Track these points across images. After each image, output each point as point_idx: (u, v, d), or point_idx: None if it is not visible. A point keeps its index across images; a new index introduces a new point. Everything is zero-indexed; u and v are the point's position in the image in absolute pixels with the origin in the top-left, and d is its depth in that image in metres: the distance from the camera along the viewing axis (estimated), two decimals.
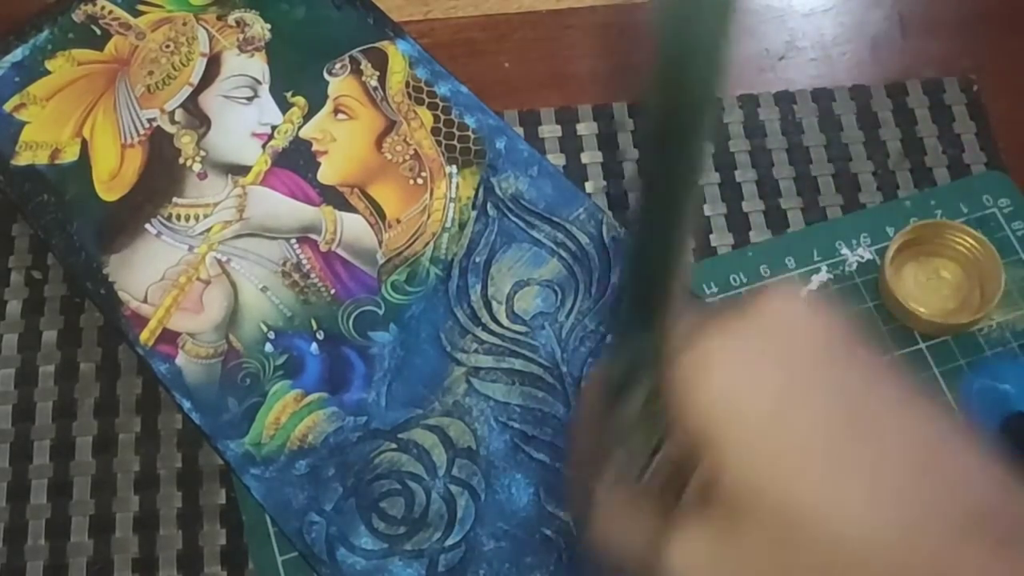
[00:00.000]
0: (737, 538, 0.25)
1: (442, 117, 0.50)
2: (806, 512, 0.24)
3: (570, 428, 0.34)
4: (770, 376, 0.25)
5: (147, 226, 0.48)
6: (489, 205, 0.48)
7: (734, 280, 0.49)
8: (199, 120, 0.50)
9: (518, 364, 0.45)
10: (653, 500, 0.27)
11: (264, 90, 0.51)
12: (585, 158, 0.53)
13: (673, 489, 0.27)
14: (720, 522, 0.25)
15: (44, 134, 0.50)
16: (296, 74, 0.51)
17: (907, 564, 0.23)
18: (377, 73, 0.51)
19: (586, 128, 0.54)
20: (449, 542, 0.42)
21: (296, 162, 0.49)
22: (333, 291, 0.47)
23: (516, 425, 0.44)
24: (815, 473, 0.24)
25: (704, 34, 0.19)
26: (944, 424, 0.25)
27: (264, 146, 0.50)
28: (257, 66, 0.51)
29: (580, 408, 0.31)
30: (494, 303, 0.46)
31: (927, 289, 0.48)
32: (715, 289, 0.49)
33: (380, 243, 0.47)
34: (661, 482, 0.27)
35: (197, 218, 0.48)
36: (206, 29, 0.52)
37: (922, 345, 0.47)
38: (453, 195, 0.48)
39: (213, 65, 0.51)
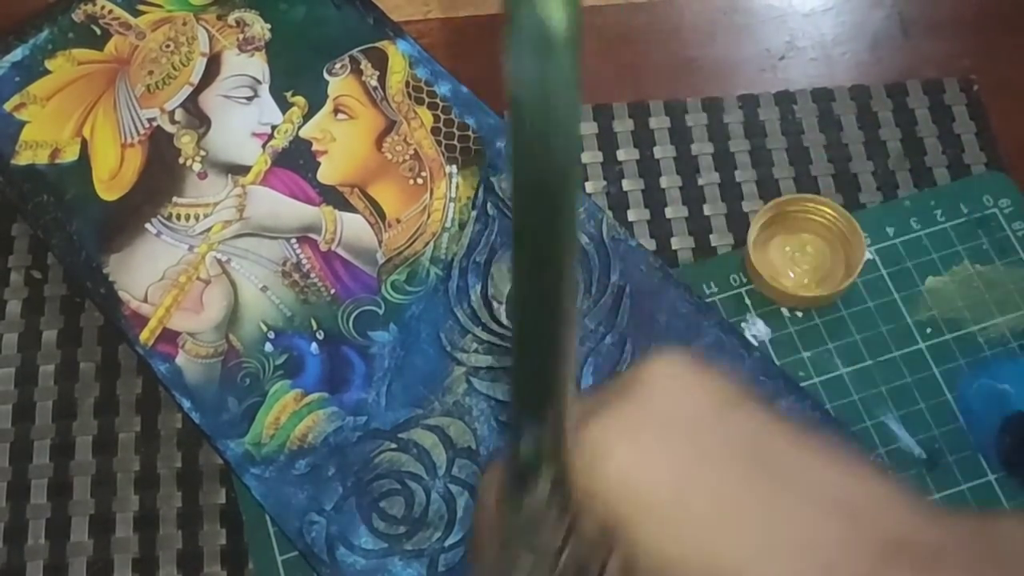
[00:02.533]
0: None
1: (442, 117, 0.50)
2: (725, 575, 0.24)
3: (472, 533, 0.33)
4: (667, 447, 0.25)
5: (147, 226, 0.48)
6: (489, 205, 0.48)
7: (734, 280, 0.49)
8: (199, 120, 0.50)
9: None
10: None
11: (264, 90, 0.51)
12: (585, 158, 0.53)
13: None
14: None
15: (44, 134, 0.50)
16: (296, 74, 0.51)
17: None
18: (377, 73, 0.51)
19: (586, 128, 0.54)
20: (449, 542, 0.42)
21: (296, 162, 0.49)
22: (333, 291, 0.47)
23: None
24: (727, 535, 0.24)
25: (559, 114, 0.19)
26: (846, 460, 0.25)
27: (264, 146, 0.50)
28: (257, 66, 0.51)
29: (480, 510, 0.30)
30: (494, 303, 0.46)
31: (792, 263, 0.49)
32: (715, 289, 0.49)
33: (380, 243, 0.47)
34: (582, 570, 0.27)
35: (197, 218, 0.48)
36: (206, 29, 0.52)
37: (922, 345, 0.47)
38: (453, 195, 0.48)
39: (213, 65, 0.51)
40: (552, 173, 0.19)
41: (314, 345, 0.46)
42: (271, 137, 0.50)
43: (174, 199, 0.49)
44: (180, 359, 0.45)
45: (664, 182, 0.52)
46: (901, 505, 0.25)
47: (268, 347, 0.45)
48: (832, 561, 0.24)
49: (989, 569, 0.24)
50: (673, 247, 0.51)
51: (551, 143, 0.19)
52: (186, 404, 0.44)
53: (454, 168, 0.49)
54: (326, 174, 0.49)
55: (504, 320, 0.46)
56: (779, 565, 0.24)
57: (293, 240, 0.48)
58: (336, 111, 0.50)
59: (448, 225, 0.48)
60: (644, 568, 0.25)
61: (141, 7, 0.53)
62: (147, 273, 0.47)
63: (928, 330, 0.48)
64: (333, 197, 0.49)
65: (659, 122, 0.54)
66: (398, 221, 0.48)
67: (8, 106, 0.50)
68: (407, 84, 0.51)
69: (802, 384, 0.46)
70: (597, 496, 0.25)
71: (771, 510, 0.24)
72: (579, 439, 0.25)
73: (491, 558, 0.29)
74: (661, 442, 0.25)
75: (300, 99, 0.51)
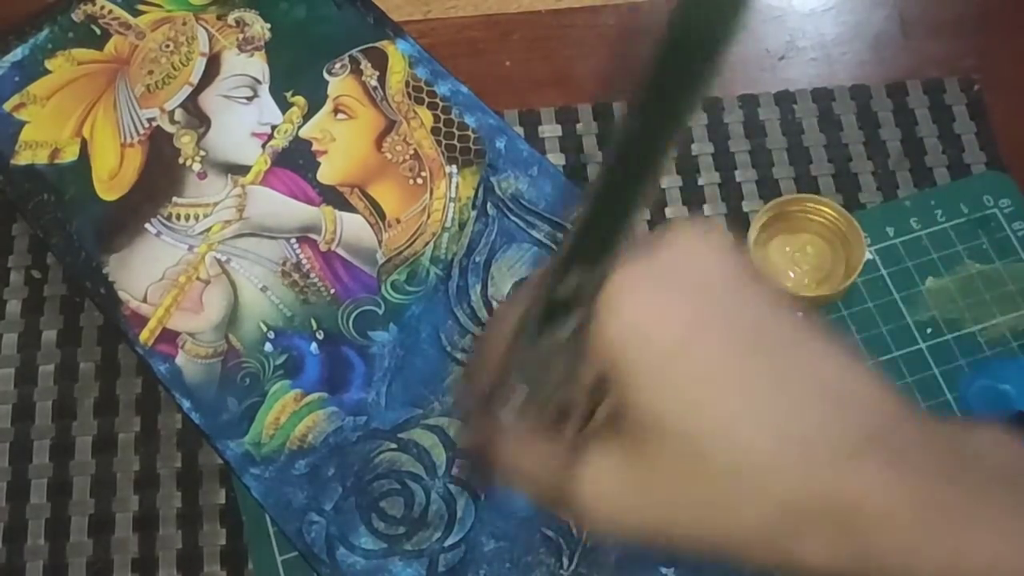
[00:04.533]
0: (643, 465, 0.25)
1: (442, 117, 0.50)
2: (706, 441, 0.25)
3: (479, 345, 0.33)
4: (677, 307, 0.26)
5: (147, 226, 0.48)
6: (489, 205, 0.48)
7: None
8: (199, 120, 0.50)
9: None
10: (561, 429, 0.28)
11: (264, 90, 0.51)
12: (585, 158, 0.53)
13: (582, 419, 0.27)
14: (627, 450, 0.26)
15: (44, 134, 0.50)
16: (296, 74, 0.51)
17: (804, 486, 0.24)
18: (377, 73, 0.51)
19: (586, 128, 0.54)
20: (449, 542, 0.42)
21: (296, 162, 0.49)
22: (333, 291, 0.47)
23: None
24: (716, 403, 0.25)
25: None
26: (843, 354, 0.27)
27: (264, 146, 0.50)
28: (257, 66, 0.51)
29: (489, 335, 0.31)
30: (494, 303, 0.46)
31: (793, 263, 0.49)
32: None
33: (380, 243, 0.47)
34: (570, 412, 0.28)
35: (197, 218, 0.48)
36: (206, 29, 0.52)
37: (922, 345, 0.47)
38: (453, 195, 0.48)
39: (213, 65, 0.51)
40: (720, 22, 0.19)
41: (314, 345, 0.46)
42: (271, 137, 0.50)
43: (174, 199, 0.49)
44: (180, 359, 0.45)
45: (664, 182, 0.52)
46: (886, 402, 0.26)
47: (268, 347, 0.45)
48: (808, 439, 0.25)
49: (953, 471, 0.25)
50: None
51: None
52: (186, 404, 0.44)
53: (454, 168, 0.49)
54: (326, 174, 0.49)
55: None
56: (756, 433, 0.25)
57: (293, 240, 0.48)
58: (336, 111, 0.50)
59: (448, 225, 0.48)
60: (630, 420, 0.26)
61: (141, 7, 0.53)
62: (147, 273, 0.47)
63: (928, 330, 0.48)
64: (333, 197, 0.48)
65: None
66: (398, 221, 0.48)
67: (8, 106, 0.50)
68: (407, 84, 0.51)
69: None
70: (602, 342, 0.26)
71: (760, 384, 0.25)
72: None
73: (485, 382, 0.29)
74: (673, 301, 0.26)
75: (300, 99, 0.51)
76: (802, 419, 0.25)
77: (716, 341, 0.25)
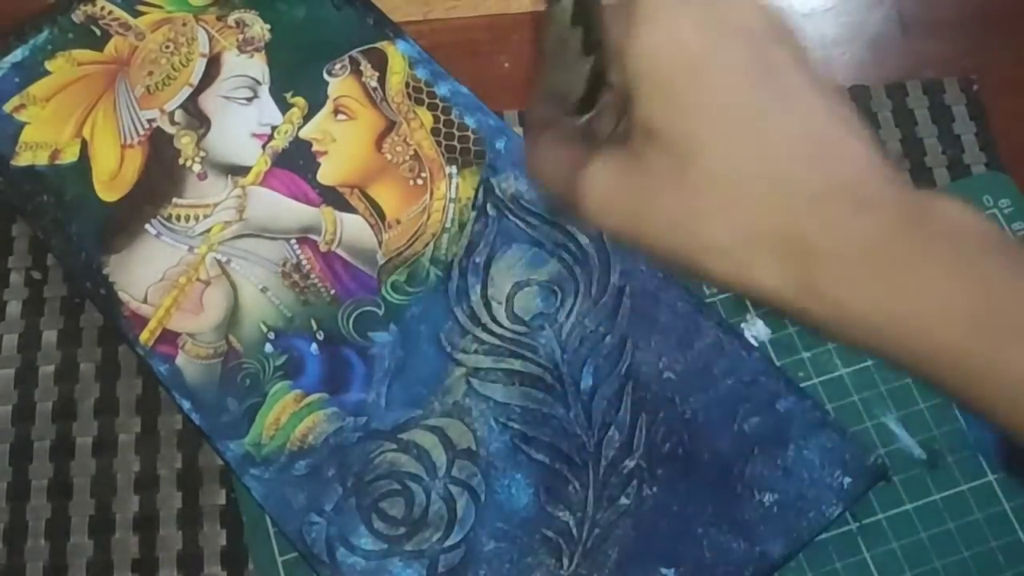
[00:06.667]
0: (637, 172, 0.28)
1: (442, 117, 0.50)
2: (690, 146, 0.27)
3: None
4: (709, 38, 0.28)
5: (147, 227, 0.48)
6: (489, 205, 0.48)
7: None
8: (199, 120, 0.50)
9: (518, 365, 0.45)
10: (582, 136, 0.30)
11: (264, 90, 0.51)
12: None
13: (605, 128, 0.30)
14: (629, 157, 0.28)
15: (44, 135, 0.50)
16: (296, 74, 0.51)
17: (764, 214, 0.27)
18: (377, 74, 0.51)
19: None
20: (449, 542, 0.42)
21: (296, 162, 0.49)
22: (333, 291, 0.47)
23: (516, 426, 0.44)
24: (710, 117, 0.27)
25: None
26: (840, 106, 0.28)
27: (264, 146, 0.50)
28: (257, 66, 0.52)
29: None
30: (494, 303, 0.46)
31: None
32: (715, 289, 0.49)
33: (380, 243, 0.48)
34: (600, 121, 0.30)
35: (197, 218, 0.48)
36: (206, 30, 0.52)
37: None
38: (453, 195, 0.48)
39: (213, 66, 0.51)
40: None
41: (314, 346, 0.46)
42: (271, 138, 0.50)
43: (174, 200, 0.49)
44: (180, 360, 0.45)
45: None
46: (863, 158, 0.28)
47: (268, 348, 0.45)
48: (777, 175, 0.27)
49: (912, 224, 0.26)
50: None
51: None
52: (186, 405, 0.44)
53: (454, 169, 0.49)
54: (326, 175, 0.49)
55: (504, 321, 0.46)
56: (734, 153, 0.27)
57: (293, 241, 0.48)
58: (336, 112, 0.50)
59: (448, 226, 0.48)
60: (636, 126, 0.28)
61: (141, 8, 0.53)
62: (147, 274, 0.47)
63: None
64: (333, 198, 0.49)
65: None
66: (398, 222, 0.48)
67: (8, 107, 0.50)
68: (407, 85, 0.51)
69: (802, 384, 0.46)
70: (627, 52, 0.28)
71: (755, 115, 0.27)
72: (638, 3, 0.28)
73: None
74: (705, 32, 0.28)
75: (300, 100, 0.51)
76: (779, 155, 0.27)
77: (732, 73, 0.27)
